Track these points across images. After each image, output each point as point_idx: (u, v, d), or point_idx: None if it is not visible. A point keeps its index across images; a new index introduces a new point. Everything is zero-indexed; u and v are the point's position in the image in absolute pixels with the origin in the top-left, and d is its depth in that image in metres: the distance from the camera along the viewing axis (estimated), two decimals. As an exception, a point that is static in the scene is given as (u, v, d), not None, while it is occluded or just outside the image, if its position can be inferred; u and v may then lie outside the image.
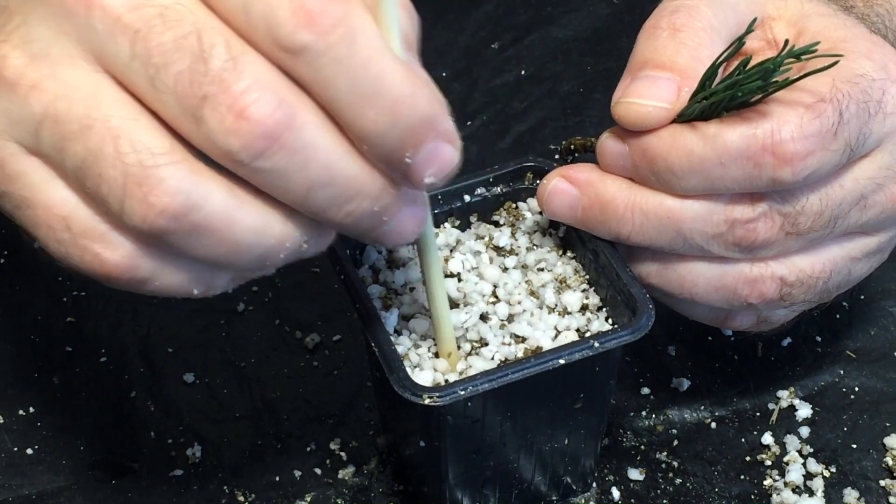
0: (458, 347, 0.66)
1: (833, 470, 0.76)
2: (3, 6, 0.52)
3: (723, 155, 0.62)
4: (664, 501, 0.75)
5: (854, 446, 0.77)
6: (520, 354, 0.66)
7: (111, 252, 0.53)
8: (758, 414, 0.79)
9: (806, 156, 0.62)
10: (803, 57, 0.61)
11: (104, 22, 0.50)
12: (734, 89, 0.61)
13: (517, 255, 0.70)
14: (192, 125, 0.50)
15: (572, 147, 0.73)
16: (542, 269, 0.70)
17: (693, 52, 0.64)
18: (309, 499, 0.75)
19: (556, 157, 0.76)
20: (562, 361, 0.62)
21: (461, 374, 0.65)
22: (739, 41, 0.64)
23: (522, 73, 1.00)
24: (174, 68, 0.49)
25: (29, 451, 0.78)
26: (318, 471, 0.76)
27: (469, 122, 0.96)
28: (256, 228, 0.52)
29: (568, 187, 0.67)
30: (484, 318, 0.68)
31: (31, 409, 0.80)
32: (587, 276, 0.69)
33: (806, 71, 0.62)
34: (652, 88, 0.64)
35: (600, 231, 0.67)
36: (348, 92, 0.50)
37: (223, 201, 0.51)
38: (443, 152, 0.52)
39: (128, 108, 0.51)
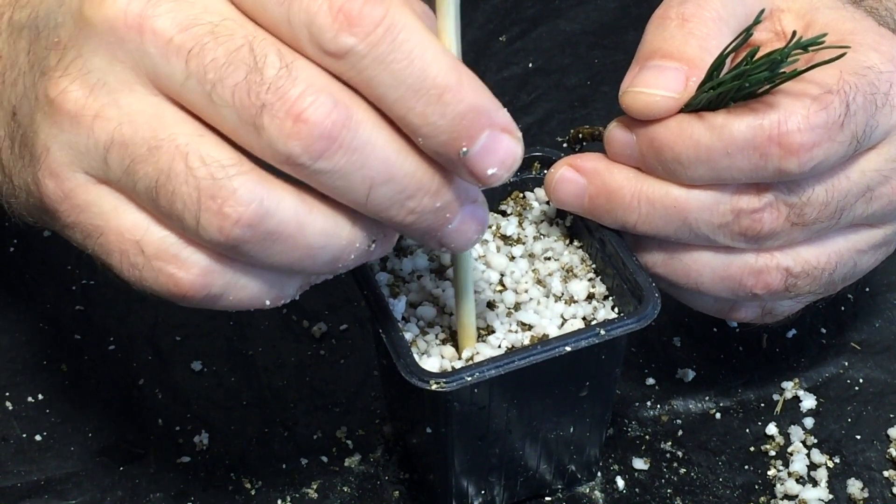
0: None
1: (837, 461, 0.76)
2: (55, 42, 0.53)
3: (729, 145, 0.62)
4: (668, 491, 0.75)
5: (858, 437, 0.77)
6: (526, 342, 0.66)
7: (185, 272, 0.54)
8: (762, 405, 0.79)
9: (812, 147, 0.62)
10: (811, 48, 0.61)
11: (156, 45, 0.51)
12: (741, 80, 0.62)
13: (524, 244, 0.71)
14: (252, 135, 0.51)
15: (580, 136, 0.73)
16: (548, 258, 0.70)
17: (701, 43, 0.64)
18: (315, 486, 0.75)
19: (564, 146, 0.76)
20: (568, 349, 0.62)
21: (468, 360, 0.65)
22: (747, 32, 0.64)
23: (530, 65, 1.01)
24: (230, 81, 0.50)
25: (38, 437, 0.78)
26: (324, 459, 0.77)
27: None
28: (326, 231, 0.53)
29: (575, 176, 0.67)
30: (491, 305, 0.68)
31: (40, 396, 0.80)
32: (594, 266, 0.70)
33: (813, 62, 0.62)
34: (660, 78, 0.64)
35: (607, 220, 0.67)
36: (396, 88, 0.50)
37: (294, 207, 0.52)
38: (501, 142, 0.53)
39: (191, 126, 0.52)
